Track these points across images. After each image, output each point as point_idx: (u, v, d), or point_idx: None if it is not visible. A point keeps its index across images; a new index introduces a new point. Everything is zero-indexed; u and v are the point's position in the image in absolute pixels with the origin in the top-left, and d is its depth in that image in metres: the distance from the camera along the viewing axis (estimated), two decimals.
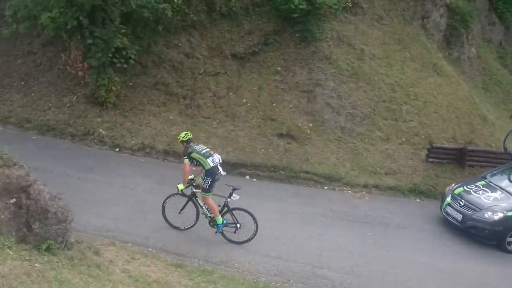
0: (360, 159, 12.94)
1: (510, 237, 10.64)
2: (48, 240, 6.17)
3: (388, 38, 15.48)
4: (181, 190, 9.04)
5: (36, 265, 5.60)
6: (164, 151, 12.50)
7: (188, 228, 9.38)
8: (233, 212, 9.06)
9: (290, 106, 13.71)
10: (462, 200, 11.02)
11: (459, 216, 10.88)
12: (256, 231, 9.09)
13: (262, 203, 10.67)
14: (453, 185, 11.86)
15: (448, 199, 11.34)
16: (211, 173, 8.79)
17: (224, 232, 9.22)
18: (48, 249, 6.11)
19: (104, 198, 10.14)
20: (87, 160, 11.87)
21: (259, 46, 14.57)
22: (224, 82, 14.16)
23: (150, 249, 8.69)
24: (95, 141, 12.69)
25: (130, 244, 8.71)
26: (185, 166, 8.89)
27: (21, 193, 6.04)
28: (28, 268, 5.40)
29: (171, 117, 13.41)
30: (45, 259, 5.91)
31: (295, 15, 14.17)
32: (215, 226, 9.12)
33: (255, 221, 9.01)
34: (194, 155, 8.87)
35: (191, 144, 9.10)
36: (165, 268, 7.84)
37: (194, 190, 9.20)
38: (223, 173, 9.10)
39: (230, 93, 13.99)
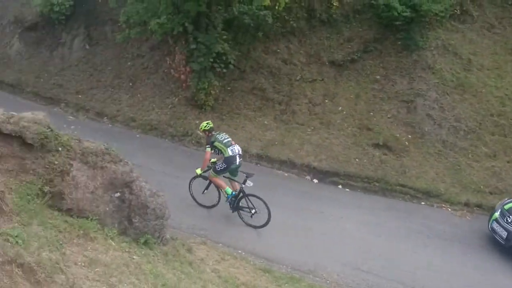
0: (462, 176, 12.11)
1: None
2: (146, 235, 6.48)
3: (499, 48, 14.38)
4: (200, 174, 9.62)
5: (134, 257, 5.87)
6: (257, 155, 12.63)
7: (213, 206, 9.87)
8: (249, 197, 9.40)
9: (388, 116, 13.24)
10: (511, 216, 9.76)
11: (504, 234, 9.66)
12: (269, 218, 9.23)
13: (354, 214, 10.40)
14: (506, 199, 10.58)
15: (497, 214, 10.07)
16: (228, 161, 9.27)
17: (242, 216, 9.58)
18: (145, 243, 6.41)
19: (200, 198, 10.44)
20: (184, 159, 12.33)
21: (358, 53, 14.28)
22: (320, 89, 14.05)
23: (239, 251, 8.78)
24: (193, 142, 13.17)
25: (220, 244, 8.87)
26: (206, 154, 9.45)
27: (124, 188, 6.39)
28: (127, 260, 5.68)
29: (266, 122, 13.56)
30: (143, 252, 6.19)
31: (397, 23, 13.70)
32: (230, 204, 9.63)
33: (268, 209, 9.16)
34: (216, 144, 9.34)
35: (213, 133, 9.55)
36: (253, 272, 7.88)
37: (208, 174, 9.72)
38: (239, 163, 9.47)
39: (326, 100, 13.84)
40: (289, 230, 9.51)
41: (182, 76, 14.34)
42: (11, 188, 5.18)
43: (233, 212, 9.68)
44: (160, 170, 11.44)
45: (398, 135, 12.82)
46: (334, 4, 14.65)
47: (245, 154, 12.63)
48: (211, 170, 9.50)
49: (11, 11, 17.89)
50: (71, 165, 5.87)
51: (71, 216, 5.77)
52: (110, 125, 13.99)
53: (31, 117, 5.73)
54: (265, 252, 8.90)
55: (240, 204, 9.54)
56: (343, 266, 8.79)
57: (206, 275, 6.86)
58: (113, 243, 5.88)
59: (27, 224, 4.76)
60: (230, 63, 13.87)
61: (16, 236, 4.29)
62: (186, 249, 7.36)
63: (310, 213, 10.28)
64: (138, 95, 14.78)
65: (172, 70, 14.71)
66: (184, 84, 14.38)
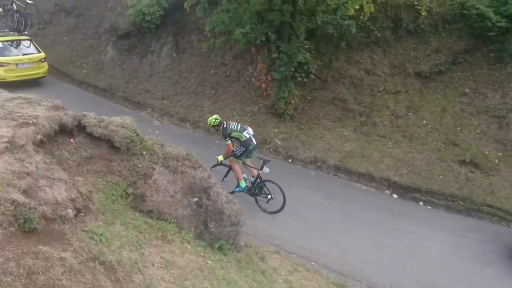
0: None
1: None
2: (220, 240, 6.61)
3: None
4: (221, 161, 10.02)
5: (208, 262, 5.99)
6: (335, 166, 12.43)
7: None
8: (265, 183, 9.91)
9: (477, 131, 12.49)
10: None
11: None
12: (284, 203, 9.72)
13: (435, 233, 9.90)
14: None
15: None
16: (245, 144, 9.69)
17: (258, 201, 10.05)
18: (220, 248, 6.54)
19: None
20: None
21: (446, 65, 13.64)
22: (404, 101, 13.59)
23: (312, 263, 8.67)
24: (271, 150, 13.23)
25: (294, 255, 8.80)
26: (228, 146, 9.85)
27: (202, 193, 6.56)
28: (201, 264, 5.80)
29: (345, 133, 13.33)
30: (217, 258, 6.31)
31: (491, 34, 12.95)
32: (254, 194, 10.09)
33: (283, 194, 9.67)
34: (233, 134, 9.74)
35: (225, 125, 9.83)
36: (326, 286, 7.73)
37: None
38: (255, 143, 10.03)
39: (410, 113, 13.35)
40: (365, 245, 9.23)
41: (263, 85, 14.51)
42: (98, 188, 5.49)
43: (250, 196, 10.07)
44: None
45: (487, 152, 12.04)
46: (422, 14, 14.13)
47: (322, 165, 12.53)
48: (232, 156, 9.85)
49: (108, 20, 19.11)
50: (154, 168, 6.13)
51: (151, 217, 6.01)
52: (192, 131, 14.45)
53: (119, 121, 6.06)
54: (339, 266, 8.70)
55: (257, 190, 10.04)
56: (421, 286, 8.38)
57: (278, 286, 6.84)
58: (189, 246, 6.04)
59: (110, 223, 5.00)
60: (311, 72, 13.83)
61: (100, 235, 4.53)
62: (259, 257, 7.40)
63: (388, 229, 9.92)
64: (220, 102, 15.15)
65: (253, 79, 14.94)
66: (264, 93, 14.54)
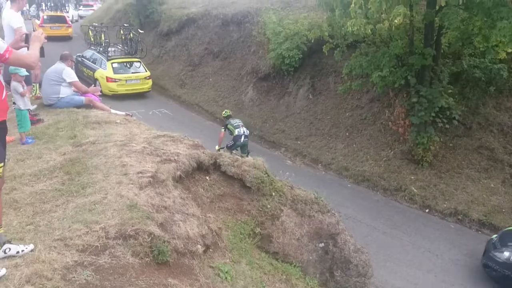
0: None
1: None
2: None
3: None
4: (218, 150, 11.68)
5: None
6: (479, 221, 11.33)
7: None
8: None
9: None
10: None
11: None
12: None
13: None
14: None
15: None
16: (235, 138, 12.26)
17: None
18: None
19: (406, 259, 9.86)
20: (394, 215, 11.83)
21: None
22: None
23: None
24: (406, 198, 12.55)
25: None
26: (220, 133, 12.81)
27: (329, 239, 6.41)
28: None
29: (492, 185, 12.13)
30: None
31: None
32: None
33: None
34: (229, 126, 12.50)
35: (229, 119, 12.78)
36: None
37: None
38: (244, 141, 12.27)
39: None
40: None
41: (400, 129, 13.95)
42: (228, 225, 5.66)
43: None
44: (367, 223, 11.22)
45: None
46: None
47: (464, 218, 11.53)
48: (225, 147, 12.19)
49: (250, 63, 20.19)
50: (282, 210, 6.16)
51: (276, 259, 6.00)
52: (323, 172, 14.36)
53: (252, 162, 6.25)
54: None
55: None
56: None
57: None
58: None
59: (236, 262, 5.09)
60: (454, 118, 12.96)
61: (226, 272, 4.62)
62: None
63: None
64: (354, 145, 14.90)
65: (390, 123, 14.46)
66: (401, 138, 13.95)
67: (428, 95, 12.51)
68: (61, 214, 4.09)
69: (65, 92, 8.24)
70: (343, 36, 14.16)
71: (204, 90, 21.27)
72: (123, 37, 22.60)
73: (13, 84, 6.53)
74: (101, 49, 21.47)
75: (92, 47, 22.58)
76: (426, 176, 12.90)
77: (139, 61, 20.89)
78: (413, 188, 12.61)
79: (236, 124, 12.40)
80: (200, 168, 5.93)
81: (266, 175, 6.23)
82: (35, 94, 9.10)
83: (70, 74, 8.27)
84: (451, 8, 11.12)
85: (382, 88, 13.61)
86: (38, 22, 30.93)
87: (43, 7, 42.72)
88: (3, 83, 3.45)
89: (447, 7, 11.09)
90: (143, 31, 22.90)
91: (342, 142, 15.27)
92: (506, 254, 8.78)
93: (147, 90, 20.76)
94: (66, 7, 46.26)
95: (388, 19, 11.09)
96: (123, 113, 8.40)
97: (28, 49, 3.87)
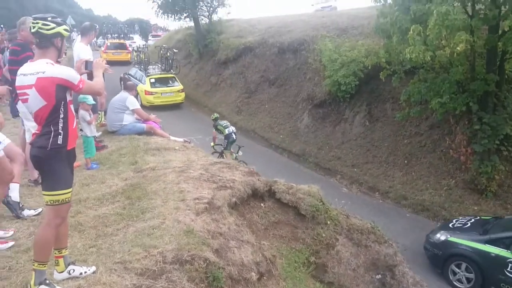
0: None
1: None
2: None
3: None
4: (213, 146, 14.12)
5: None
6: None
7: None
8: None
9: None
10: None
11: None
12: None
13: None
14: None
15: None
16: (227, 137, 13.80)
17: None
18: None
19: None
20: None
21: None
22: None
23: None
24: None
25: None
26: (213, 133, 14.24)
27: (387, 271, 6.22)
28: None
29: None
30: None
31: None
32: None
33: None
34: (219, 127, 13.91)
35: (218, 121, 14.08)
36: None
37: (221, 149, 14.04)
38: (234, 138, 13.89)
39: None
40: None
41: (462, 158, 13.40)
42: (282, 253, 5.64)
43: None
44: None
45: None
46: None
47: None
48: (223, 148, 13.85)
49: (305, 90, 20.27)
50: (337, 239, 6.07)
51: None
52: (380, 201, 14.02)
53: (307, 189, 6.23)
54: None
55: None
56: None
57: None
58: None
59: None
60: None
61: None
62: None
63: None
64: (412, 173, 14.48)
65: (451, 150, 13.94)
66: (463, 166, 13.39)
67: (491, 122, 12.03)
68: (121, 238, 4.25)
69: (128, 119, 8.66)
70: (401, 62, 13.97)
71: (260, 116, 21.53)
72: (161, 56, 25.97)
73: (81, 112, 6.93)
74: (142, 67, 25.19)
75: (136, 65, 26.61)
76: (490, 207, 12.29)
77: (174, 77, 24.41)
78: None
79: (225, 124, 14.03)
80: (255, 195, 5.99)
81: (321, 203, 6.19)
82: (101, 121, 9.60)
83: (133, 102, 8.71)
84: None
85: (442, 115, 13.23)
86: (102, 49, 34.92)
87: (109, 36, 45.79)
88: (74, 113, 3.67)
89: (510, 32, 10.73)
90: (177, 50, 26.85)
91: (400, 170, 14.88)
92: (437, 235, 10.32)
93: (181, 101, 24.10)
94: (129, 36, 49.48)
95: (449, 45, 10.81)
96: (182, 139, 8.68)
97: (88, 75, 4.14)
